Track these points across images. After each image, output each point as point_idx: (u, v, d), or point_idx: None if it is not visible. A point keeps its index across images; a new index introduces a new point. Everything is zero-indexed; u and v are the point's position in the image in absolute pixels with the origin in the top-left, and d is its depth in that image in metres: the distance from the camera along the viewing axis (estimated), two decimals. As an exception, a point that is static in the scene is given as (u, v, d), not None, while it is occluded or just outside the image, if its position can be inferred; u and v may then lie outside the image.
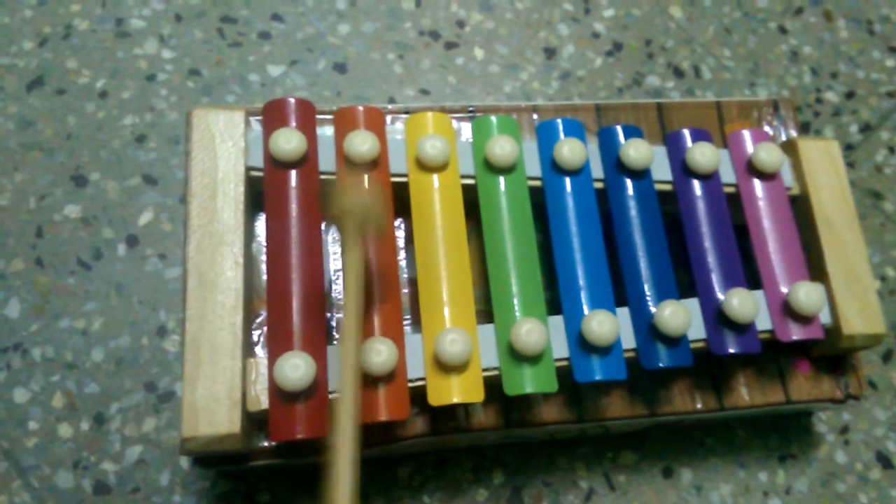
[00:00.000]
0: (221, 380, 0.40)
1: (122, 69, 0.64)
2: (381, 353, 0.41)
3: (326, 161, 0.47)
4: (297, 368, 0.40)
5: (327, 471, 0.33)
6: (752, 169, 0.50)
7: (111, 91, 0.63)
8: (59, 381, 0.54)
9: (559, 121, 0.49)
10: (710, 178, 0.49)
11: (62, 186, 0.59)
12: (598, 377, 0.43)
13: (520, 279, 0.45)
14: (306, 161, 0.46)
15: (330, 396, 0.41)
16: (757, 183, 0.50)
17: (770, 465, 0.57)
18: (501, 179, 0.47)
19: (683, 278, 0.48)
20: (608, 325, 0.43)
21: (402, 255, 0.49)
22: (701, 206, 0.48)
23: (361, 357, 0.38)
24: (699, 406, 0.48)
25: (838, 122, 0.71)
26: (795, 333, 0.46)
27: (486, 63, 0.68)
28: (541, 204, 0.48)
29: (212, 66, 0.65)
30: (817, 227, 0.49)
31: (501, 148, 0.46)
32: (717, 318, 0.45)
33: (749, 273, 0.48)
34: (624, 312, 0.45)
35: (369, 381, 0.41)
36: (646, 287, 0.46)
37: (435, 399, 0.42)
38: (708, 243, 0.47)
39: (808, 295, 0.45)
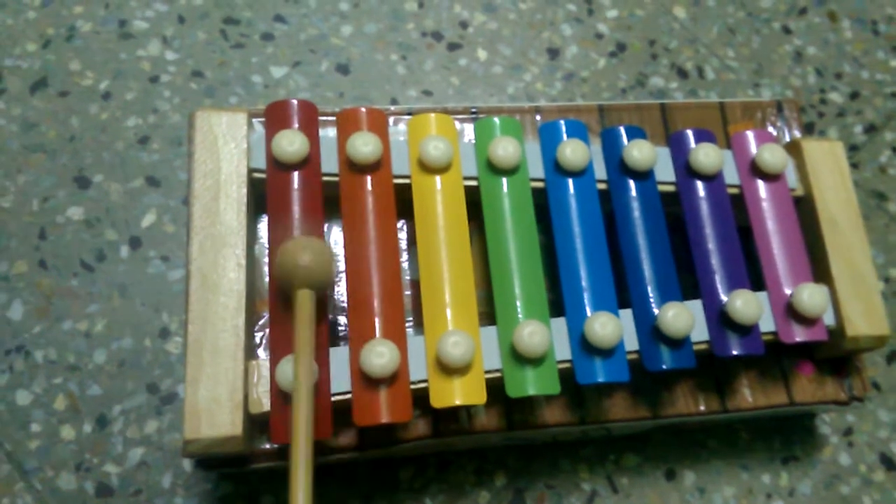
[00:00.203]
0: (223, 382, 0.40)
1: (125, 71, 0.64)
2: (383, 356, 0.40)
3: (329, 163, 0.46)
4: (299, 370, 0.39)
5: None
6: (755, 170, 0.50)
7: (114, 93, 0.63)
8: (61, 383, 0.54)
9: (562, 122, 0.49)
10: (713, 179, 0.49)
11: (65, 188, 0.59)
12: (600, 379, 0.43)
13: (522, 281, 0.45)
14: (309, 163, 0.46)
15: (334, 399, 0.41)
16: (761, 184, 0.50)
17: (773, 468, 0.57)
18: (504, 181, 0.47)
19: (687, 280, 0.48)
20: (611, 327, 0.43)
21: (404, 256, 0.49)
22: (704, 208, 0.48)
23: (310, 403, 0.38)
24: (702, 408, 0.48)
25: (842, 123, 0.70)
26: (799, 335, 0.46)
27: (489, 64, 0.68)
28: (543, 205, 0.48)
29: (215, 68, 0.65)
30: (821, 229, 0.49)
31: (504, 149, 0.46)
32: (721, 319, 0.45)
33: (752, 274, 0.48)
34: (627, 314, 0.45)
35: (371, 383, 0.41)
36: (649, 289, 0.46)
37: (437, 401, 0.42)
38: (711, 244, 0.47)
39: (811, 296, 0.45)
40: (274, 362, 0.41)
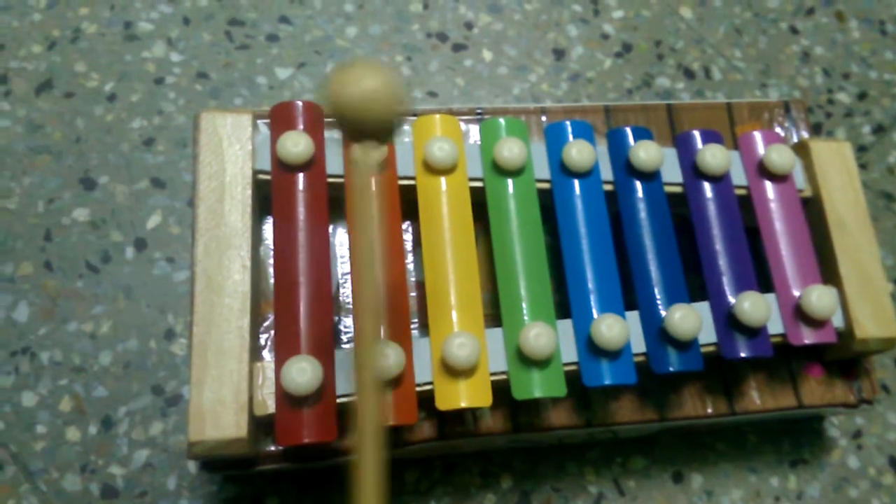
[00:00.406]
0: (228, 383, 0.40)
1: (130, 72, 0.64)
2: (388, 357, 0.40)
3: (334, 164, 0.46)
4: (304, 372, 0.39)
5: (354, 477, 0.32)
6: (763, 171, 0.49)
7: (119, 94, 0.63)
8: (66, 384, 0.54)
9: (568, 122, 0.49)
10: (720, 180, 0.49)
11: (70, 190, 0.59)
12: (607, 381, 0.43)
13: (528, 282, 0.44)
14: (314, 164, 0.45)
15: (339, 401, 0.41)
16: (768, 185, 0.49)
17: (782, 471, 0.57)
18: (510, 182, 0.47)
19: (694, 281, 0.47)
20: (618, 329, 0.42)
21: (409, 258, 0.49)
22: (712, 209, 0.48)
23: (379, 356, 0.34)
24: (710, 410, 0.48)
25: (850, 124, 0.70)
26: (807, 337, 0.45)
27: (494, 65, 0.68)
28: (549, 206, 0.48)
29: (220, 69, 0.65)
30: (829, 230, 0.48)
31: (510, 150, 0.46)
32: (729, 321, 0.45)
33: (760, 276, 0.47)
34: (634, 316, 0.45)
35: (377, 386, 0.41)
36: (656, 290, 0.45)
37: (443, 403, 0.41)
38: (719, 246, 0.47)
39: (820, 298, 0.45)
40: (279, 364, 0.41)
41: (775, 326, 0.46)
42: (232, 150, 0.45)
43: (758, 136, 0.51)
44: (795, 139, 0.55)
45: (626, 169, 0.48)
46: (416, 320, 0.47)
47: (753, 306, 0.44)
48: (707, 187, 0.48)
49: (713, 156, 0.48)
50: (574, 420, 0.46)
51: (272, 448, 0.43)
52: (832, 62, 0.72)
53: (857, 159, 0.68)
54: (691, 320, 0.43)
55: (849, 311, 0.47)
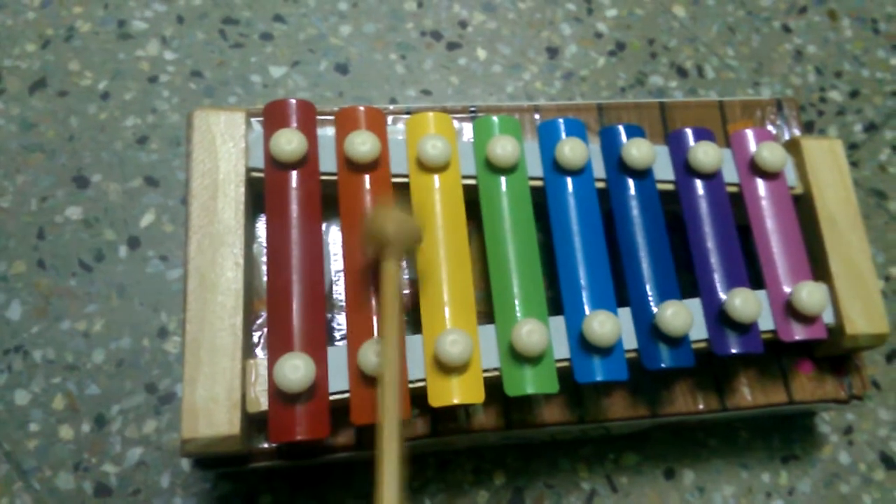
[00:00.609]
0: (221, 381, 0.40)
1: (124, 71, 0.64)
2: (379, 355, 0.40)
3: (327, 162, 0.46)
4: (296, 369, 0.39)
5: (375, 469, 0.34)
6: (754, 168, 0.50)
7: (113, 93, 0.63)
8: (60, 382, 0.54)
9: (560, 120, 0.49)
10: (712, 178, 0.49)
11: (64, 188, 0.59)
12: (599, 378, 0.43)
13: (521, 279, 0.45)
14: (307, 162, 0.46)
15: (332, 398, 0.41)
16: (760, 182, 0.50)
17: (773, 466, 0.57)
18: (502, 179, 0.47)
19: (685, 278, 0.48)
20: (609, 326, 0.42)
21: (402, 255, 0.49)
22: (703, 206, 0.48)
23: (402, 367, 0.39)
24: (701, 407, 0.48)
25: (842, 122, 0.70)
26: (798, 333, 0.46)
27: (488, 63, 0.68)
28: (542, 204, 0.48)
29: (214, 68, 0.65)
30: (820, 227, 0.49)
31: (503, 148, 0.46)
32: (720, 318, 0.45)
33: (752, 273, 0.48)
34: (625, 313, 0.45)
35: (368, 382, 0.41)
36: (647, 287, 0.45)
37: (435, 400, 0.42)
38: (710, 243, 0.47)
39: (810, 294, 0.45)
40: (272, 361, 0.41)
41: (766, 323, 0.46)
42: (225, 147, 0.45)
43: (750, 133, 0.51)
44: (787, 137, 0.55)
45: (619, 167, 0.49)
46: (408, 317, 0.47)
47: (744, 303, 0.44)
48: (699, 185, 0.49)
49: (705, 153, 0.48)
50: (566, 416, 0.47)
51: (265, 445, 0.43)
52: (825, 60, 0.73)
53: (848, 157, 0.68)
54: (683, 317, 0.43)
55: (839, 307, 0.47)
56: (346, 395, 0.41)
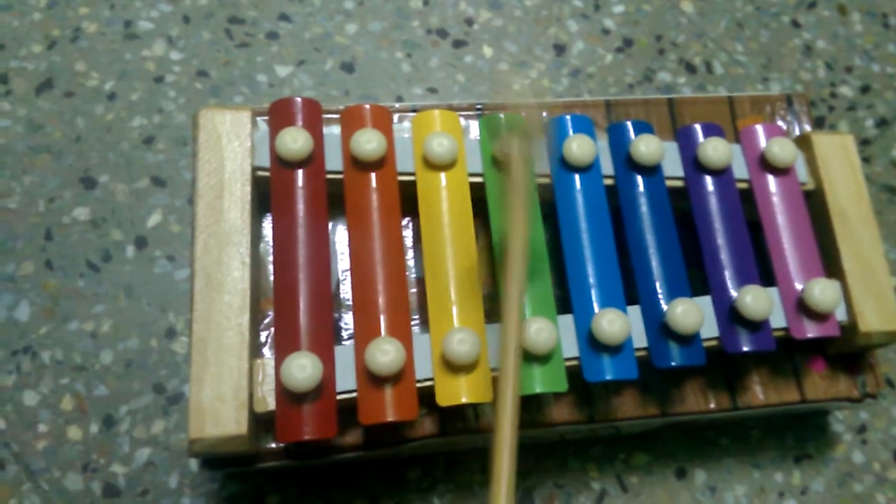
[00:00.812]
0: (228, 381, 0.40)
1: (130, 71, 0.64)
2: (388, 354, 0.40)
3: (333, 160, 0.46)
4: (304, 369, 0.39)
5: (490, 454, 0.33)
6: (765, 164, 0.49)
7: (119, 93, 0.63)
8: (68, 383, 0.54)
9: (568, 117, 0.49)
10: (722, 174, 0.48)
11: (71, 189, 0.59)
12: (608, 377, 0.43)
13: (529, 277, 0.44)
14: (313, 160, 0.45)
15: (339, 397, 0.41)
16: (770, 178, 0.49)
17: (786, 466, 0.57)
18: (510, 177, 0.47)
19: (696, 276, 0.47)
20: (619, 324, 0.42)
21: (409, 254, 0.49)
22: (713, 202, 0.48)
23: (522, 334, 0.38)
24: (712, 405, 0.47)
25: (853, 117, 0.69)
26: (811, 331, 0.45)
27: (494, 61, 0.68)
28: (550, 201, 0.47)
29: (220, 67, 0.65)
30: (832, 223, 0.48)
31: (509, 145, 0.46)
32: (731, 315, 0.45)
33: (763, 270, 0.47)
34: (635, 311, 0.45)
35: (377, 382, 0.41)
36: (657, 285, 0.45)
37: (443, 399, 0.41)
38: (721, 240, 0.47)
39: (823, 292, 0.44)
40: (279, 360, 0.41)
41: (778, 320, 0.45)
42: (231, 146, 0.45)
43: (759, 129, 0.50)
44: (798, 133, 0.54)
45: (627, 163, 0.48)
46: (416, 316, 0.47)
47: (756, 300, 0.43)
48: (708, 181, 0.48)
49: (714, 149, 0.48)
50: (576, 416, 0.46)
51: (273, 445, 0.43)
52: (835, 56, 0.72)
53: (860, 153, 0.67)
54: (693, 314, 0.43)
55: (852, 304, 0.46)
56: (354, 394, 0.41)
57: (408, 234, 0.49)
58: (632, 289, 0.45)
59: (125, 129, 0.61)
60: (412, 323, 0.46)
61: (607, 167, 0.48)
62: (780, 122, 0.54)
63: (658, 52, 0.70)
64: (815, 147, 0.50)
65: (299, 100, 0.47)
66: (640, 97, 0.54)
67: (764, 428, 0.57)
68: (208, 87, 0.64)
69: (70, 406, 0.53)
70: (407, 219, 0.49)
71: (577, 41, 0.70)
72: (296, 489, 0.52)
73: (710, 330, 0.45)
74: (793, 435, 0.58)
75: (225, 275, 0.42)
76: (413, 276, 0.48)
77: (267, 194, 0.45)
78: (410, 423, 0.44)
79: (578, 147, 0.47)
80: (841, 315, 0.46)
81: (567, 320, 0.44)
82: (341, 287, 0.47)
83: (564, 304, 0.45)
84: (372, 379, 0.41)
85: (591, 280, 0.45)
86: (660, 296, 0.45)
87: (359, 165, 0.46)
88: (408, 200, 0.46)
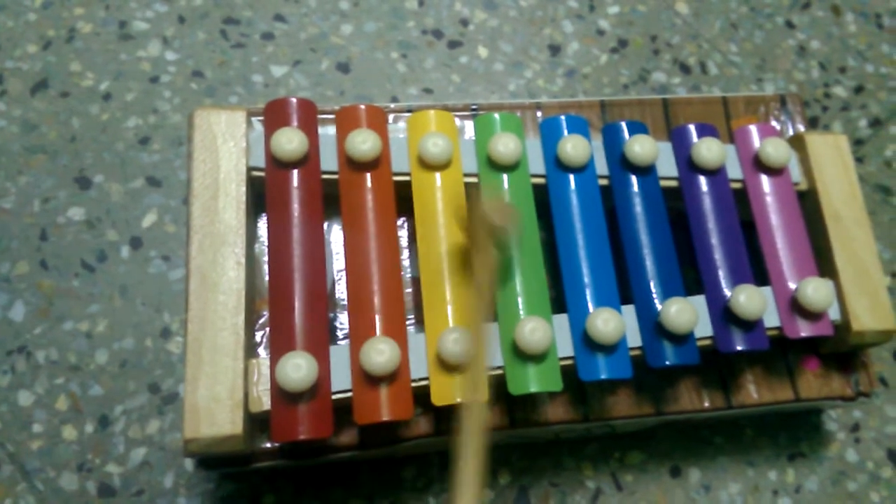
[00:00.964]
0: (223, 381, 0.40)
1: (125, 71, 0.64)
2: (383, 353, 0.40)
3: (328, 160, 0.46)
4: (299, 368, 0.39)
5: (456, 459, 0.33)
6: (758, 164, 0.49)
7: (115, 93, 0.63)
8: (63, 383, 0.54)
9: (563, 117, 0.49)
10: (716, 174, 0.49)
11: (66, 189, 0.59)
12: (603, 376, 0.43)
13: (523, 277, 0.44)
14: (308, 161, 0.45)
15: (335, 397, 0.41)
16: (764, 178, 0.49)
17: (780, 464, 0.57)
18: (505, 177, 0.47)
19: (690, 275, 0.47)
20: (613, 323, 0.42)
21: (405, 254, 0.49)
22: (707, 202, 0.48)
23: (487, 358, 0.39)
24: (707, 404, 0.48)
25: (847, 117, 0.70)
26: (804, 330, 0.45)
27: (490, 61, 0.68)
28: (544, 201, 0.47)
29: (215, 68, 0.65)
30: (826, 223, 0.48)
31: (504, 145, 0.46)
32: (725, 315, 0.45)
33: (756, 269, 0.47)
34: (629, 310, 0.45)
35: (372, 381, 0.41)
36: (651, 284, 0.45)
37: (438, 399, 0.41)
38: (714, 239, 0.47)
39: (816, 291, 0.45)
40: (274, 360, 0.41)
41: (771, 319, 0.46)
42: (226, 147, 0.45)
43: (753, 129, 0.50)
44: (791, 133, 0.55)
45: (622, 163, 0.48)
46: (411, 316, 0.47)
47: (749, 299, 0.44)
48: (702, 181, 0.48)
49: (708, 149, 0.48)
50: (571, 415, 0.46)
51: (268, 445, 0.43)
52: (828, 56, 0.72)
53: (853, 153, 0.68)
54: (687, 314, 0.43)
55: (845, 303, 0.47)
56: (349, 394, 0.41)
57: (403, 234, 0.49)
58: (626, 288, 0.45)
59: (120, 129, 0.61)
60: (407, 323, 0.46)
61: (602, 167, 0.49)
62: (773, 123, 0.55)
63: (653, 52, 0.70)
64: (808, 147, 0.50)
65: (294, 100, 0.47)
66: (635, 97, 0.54)
67: (758, 426, 0.58)
68: (203, 87, 0.64)
69: (65, 406, 0.53)
70: (402, 219, 0.49)
71: (571, 42, 0.70)
72: (291, 489, 0.52)
73: (704, 329, 0.45)
74: (786, 434, 0.58)
75: (220, 275, 0.42)
76: (408, 275, 0.48)
77: (262, 194, 0.45)
78: (406, 422, 0.44)
79: (573, 147, 0.47)
80: (834, 314, 0.47)
81: (562, 320, 0.44)
82: (336, 287, 0.48)
83: (559, 303, 0.45)
84: (367, 378, 0.41)
85: (586, 280, 0.45)
86: (654, 295, 0.45)
87: (354, 166, 0.46)
88: (403, 200, 0.47)
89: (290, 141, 0.44)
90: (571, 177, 0.47)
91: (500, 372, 0.43)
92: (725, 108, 0.55)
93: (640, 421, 0.48)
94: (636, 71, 0.69)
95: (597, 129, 0.52)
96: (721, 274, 0.46)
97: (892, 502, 0.57)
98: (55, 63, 0.63)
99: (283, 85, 0.65)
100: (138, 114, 0.62)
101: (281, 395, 0.40)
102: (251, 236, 0.46)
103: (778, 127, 0.54)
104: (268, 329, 0.45)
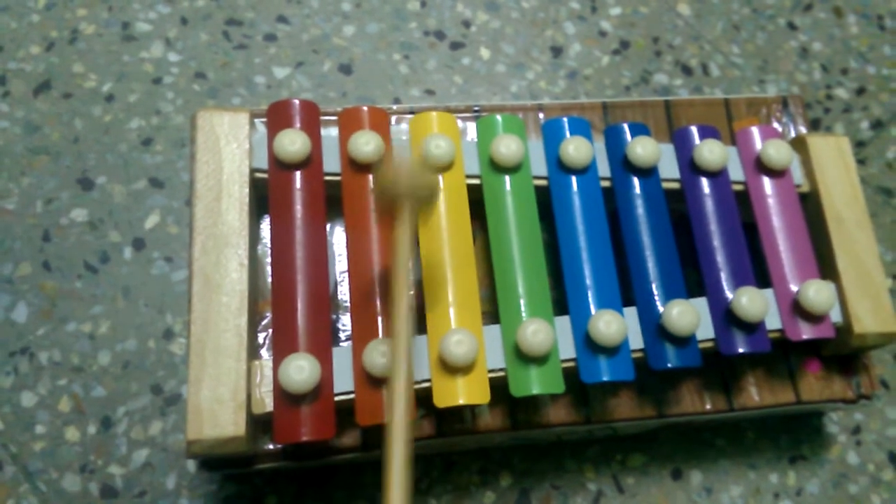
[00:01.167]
0: (226, 382, 0.40)
1: (128, 73, 0.64)
2: (386, 355, 0.40)
3: (331, 162, 0.46)
4: (301, 370, 0.39)
5: (383, 472, 0.33)
6: (760, 166, 0.49)
7: (117, 94, 0.63)
8: (65, 384, 0.54)
9: (565, 119, 0.49)
10: (718, 176, 0.49)
11: (69, 190, 0.59)
12: (605, 378, 0.43)
13: (526, 279, 0.44)
14: (311, 162, 0.46)
15: (337, 399, 0.41)
16: (766, 180, 0.49)
17: (781, 467, 0.57)
18: (507, 179, 0.47)
19: (692, 277, 0.47)
20: (615, 326, 0.42)
21: (407, 255, 0.49)
22: (709, 204, 0.48)
23: (412, 348, 0.37)
24: (708, 407, 0.48)
25: (849, 119, 0.70)
26: (806, 332, 0.45)
27: (492, 63, 0.68)
28: (547, 203, 0.48)
29: (217, 69, 0.65)
30: (827, 225, 0.48)
31: (507, 147, 0.46)
32: (726, 317, 0.45)
33: (758, 271, 0.47)
34: (631, 312, 0.45)
35: (374, 383, 0.41)
36: (653, 286, 0.45)
37: (440, 401, 0.41)
38: (716, 242, 0.47)
39: (818, 293, 0.45)
40: (277, 362, 0.41)
41: (773, 322, 0.46)
42: (229, 148, 0.45)
43: (755, 131, 0.50)
44: (793, 135, 0.55)
45: (624, 165, 0.48)
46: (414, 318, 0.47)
47: (751, 302, 0.44)
48: (704, 183, 0.48)
49: (710, 151, 0.48)
50: (573, 417, 0.46)
51: (270, 446, 0.43)
52: (830, 57, 0.72)
53: (855, 155, 0.68)
54: (689, 316, 0.43)
55: (847, 306, 0.47)
56: (352, 395, 0.41)
57: (405, 236, 0.49)
58: (628, 290, 0.45)
59: (123, 130, 0.62)
60: (409, 324, 0.46)
61: (604, 169, 0.49)
62: (775, 124, 0.55)
63: (655, 54, 0.70)
64: (810, 149, 0.50)
65: (297, 102, 0.47)
66: (637, 99, 0.54)
67: (759, 429, 0.58)
68: (206, 88, 0.64)
69: (68, 407, 0.53)
70: (404, 220, 0.49)
71: (573, 43, 0.70)
72: (294, 490, 0.52)
73: (705, 331, 0.45)
74: (788, 436, 0.58)
75: (223, 276, 0.42)
76: (410, 277, 0.48)
77: (265, 196, 0.46)
78: (410, 424, 0.44)
79: (575, 149, 0.47)
80: (836, 317, 0.47)
81: (564, 322, 0.44)
82: (339, 288, 0.48)
83: (561, 305, 0.45)
84: (370, 380, 0.41)
85: (588, 282, 0.45)
86: (656, 297, 0.45)
87: (356, 167, 0.46)
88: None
89: (293, 142, 0.44)
90: (573, 178, 0.48)
91: (502, 374, 0.43)
92: (727, 109, 0.55)
93: (641, 423, 0.48)
94: (638, 72, 0.69)
95: (599, 131, 0.52)
96: (723, 276, 0.46)
97: (894, 504, 0.57)
98: (58, 64, 0.64)
99: (286, 86, 0.65)
100: (141, 115, 0.62)
101: (283, 396, 0.40)
102: (254, 238, 0.46)
103: (780, 129, 0.54)
104: (270, 330, 0.45)
